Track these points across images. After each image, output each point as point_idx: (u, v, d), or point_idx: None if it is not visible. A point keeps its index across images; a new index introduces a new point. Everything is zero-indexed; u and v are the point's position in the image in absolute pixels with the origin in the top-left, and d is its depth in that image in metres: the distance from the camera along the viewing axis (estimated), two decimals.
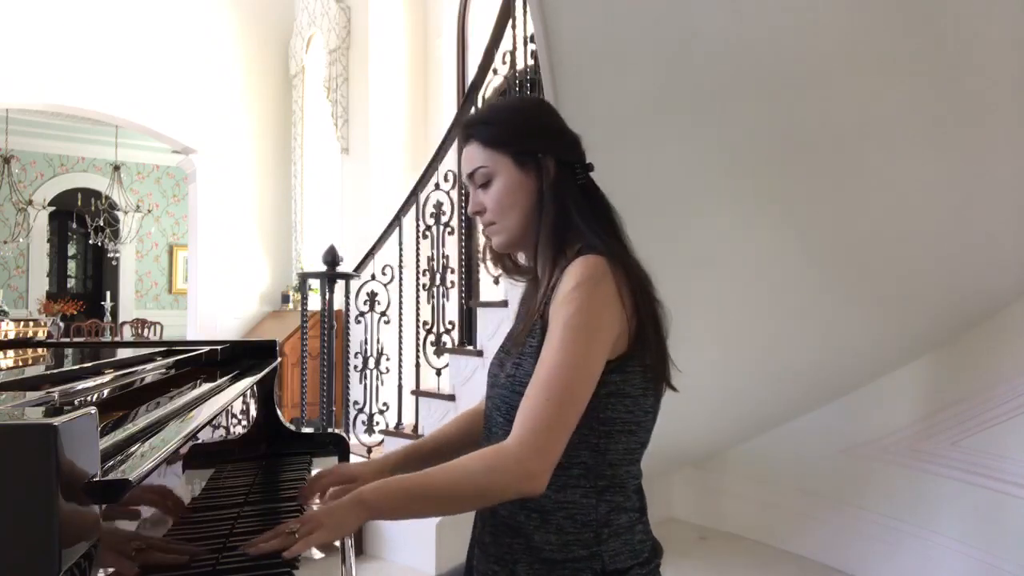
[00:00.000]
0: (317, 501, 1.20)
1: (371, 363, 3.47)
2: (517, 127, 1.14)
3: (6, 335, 6.18)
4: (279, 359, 1.72)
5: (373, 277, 3.45)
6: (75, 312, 8.94)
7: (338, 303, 3.42)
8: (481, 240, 3.43)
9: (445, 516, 1.03)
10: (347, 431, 3.40)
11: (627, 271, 1.04)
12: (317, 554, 1.07)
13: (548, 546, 1.02)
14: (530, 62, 2.64)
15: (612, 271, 1.01)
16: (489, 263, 1.24)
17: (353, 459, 1.62)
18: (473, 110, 2.99)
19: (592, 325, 0.98)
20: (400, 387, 3.31)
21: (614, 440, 1.02)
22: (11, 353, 1.63)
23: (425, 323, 3.23)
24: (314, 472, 1.45)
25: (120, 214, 9.01)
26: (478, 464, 0.96)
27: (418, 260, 3.44)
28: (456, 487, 0.96)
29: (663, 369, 1.08)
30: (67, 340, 6.36)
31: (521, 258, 1.20)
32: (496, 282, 2.94)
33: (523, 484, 0.94)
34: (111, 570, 0.67)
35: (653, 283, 1.09)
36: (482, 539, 1.11)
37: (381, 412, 3.41)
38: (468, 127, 1.16)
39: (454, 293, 3.28)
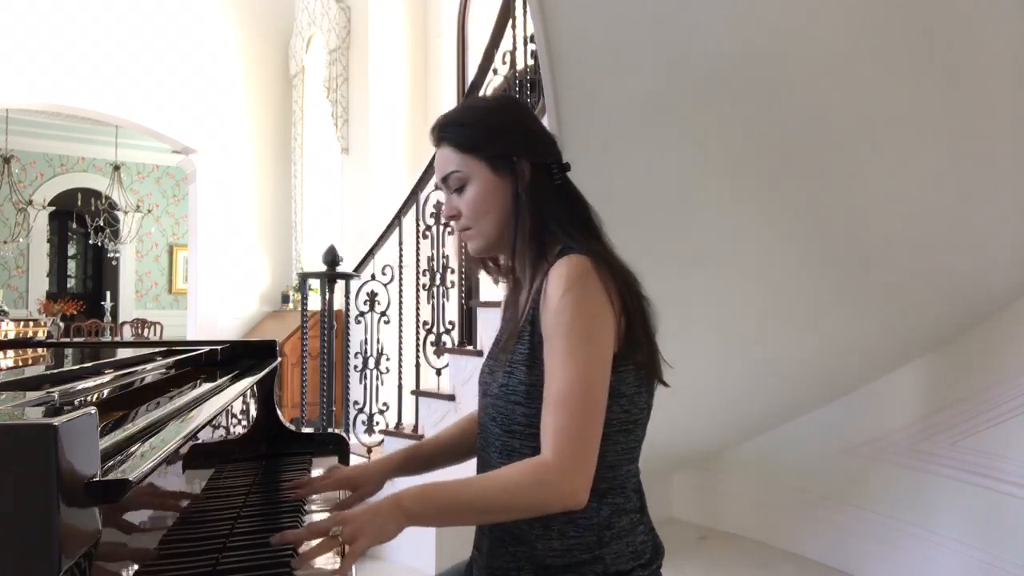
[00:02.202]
0: (315, 508, 1.20)
1: (371, 363, 3.47)
2: (491, 130, 1.11)
3: (6, 335, 6.18)
4: (279, 359, 1.72)
5: (373, 277, 3.45)
6: (75, 312, 8.93)
7: (338, 303, 3.42)
8: None
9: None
10: (347, 431, 3.40)
11: (611, 270, 1.02)
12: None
13: (551, 552, 1.01)
14: (530, 62, 2.64)
15: (596, 270, 1.00)
16: (467, 262, 1.24)
17: (353, 459, 1.62)
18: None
19: (592, 327, 0.98)
20: (400, 387, 3.31)
21: (612, 441, 1.02)
22: (11, 353, 1.63)
23: (425, 323, 3.23)
24: (314, 473, 1.45)
25: (120, 214, 9.02)
26: (523, 479, 0.95)
27: (418, 260, 3.43)
28: (501, 501, 0.95)
29: (654, 366, 1.07)
30: (67, 340, 6.36)
31: (504, 259, 1.19)
32: (496, 282, 2.94)
33: (568, 500, 0.94)
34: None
35: (638, 280, 1.08)
36: (479, 547, 1.11)
37: (381, 412, 3.42)
38: (441, 129, 1.13)
39: (454, 293, 3.28)
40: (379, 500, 0.96)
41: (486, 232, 1.10)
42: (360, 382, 3.47)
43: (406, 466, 1.23)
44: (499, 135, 1.10)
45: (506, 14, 2.74)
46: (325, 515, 1.24)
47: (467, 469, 1.13)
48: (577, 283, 0.98)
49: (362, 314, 3.43)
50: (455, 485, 0.98)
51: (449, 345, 3.20)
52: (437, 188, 1.18)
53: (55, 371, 1.11)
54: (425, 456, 1.25)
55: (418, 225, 3.32)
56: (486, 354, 1.19)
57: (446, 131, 1.12)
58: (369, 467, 1.21)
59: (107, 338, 8.56)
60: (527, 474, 0.95)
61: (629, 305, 1.02)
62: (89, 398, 0.90)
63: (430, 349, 3.23)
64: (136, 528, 0.77)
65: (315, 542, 0.92)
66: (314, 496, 1.24)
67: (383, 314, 3.42)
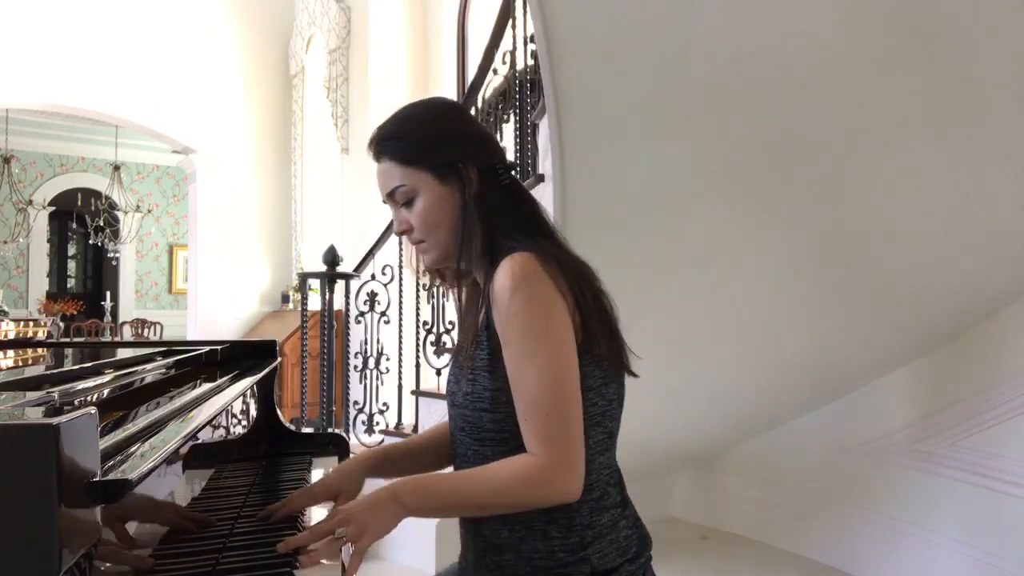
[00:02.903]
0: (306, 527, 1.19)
1: (371, 363, 3.47)
2: (432, 139, 1.07)
3: (6, 335, 6.18)
4: (279, 359, 1.72)
5: (373, 277, 3.45)
6: (75, 312, 8.94)
7: (338, 303, 3.42)
8: None
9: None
10: (347, 431, 3.40)
11: (560, 266, 1.00)
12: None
13: (536, 554, 1.01)
14: (530, 62, 2.64)
15: (544, 266, 0.98)
16: (426, 279, 1.22)
17: None
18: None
19: (547, 323, 0.96)
20: (400, 387, 3.31)
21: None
22: (11, 353, 1.63)
23: (425, 323, 3.23)
24: (313, 473, 1.45)
25: (120, 214, 9.02)
26: (516, 480, 0.96)
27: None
28: (494, 497, 0.97)
29: (618, 357, 1.06)
30: (67, 340, 6.36)
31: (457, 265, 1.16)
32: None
33: (562, 496, 0.96)
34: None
35: (594, 274, 1.07)
36: (466, 557, 1.10)
37: (381, 412, 3.42)
38: (378, 143, 1.09)
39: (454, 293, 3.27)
40: (376, 493, 0.97)
41: (441, 243, 1.08)
42: (360, 382, 3.47)
43: (380, 467, 1.21)
44: (440, 144, 1.07)
45: (506, 14, 2.74)
46: (324, 511, 1.24)
47: None
48: (524, 282, 0.96)
49: (362, 314, 3.44)
50: (451, 480, 1.00)
51: (449, 345, 3.20)
52: (384, 203, 1.14)
53: (55, 371, 1.11)
54: (398, 459, 1.23)
55: None
56: (446, 358, 1.19)
57: (384, 145, 1.08)
58: (343, 470, 1.17)
59: (107, 338, 8.56)
60: (520, 475, 0.95)
61: (581, 299, 1.00)
62: (89, 398, 0.90)
63: (430, 349, 3.22)
64: (136, 528, 0.77)
65: (320, 543, 0.93)
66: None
67: (383, 314, 3.43)
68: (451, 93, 5.68)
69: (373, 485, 1.07)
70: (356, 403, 3.43)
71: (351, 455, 1.60)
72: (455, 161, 1.06)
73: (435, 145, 1.07)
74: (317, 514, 1.23)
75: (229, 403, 1.20)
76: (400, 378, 3.31)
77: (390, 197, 1.09)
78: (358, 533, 0.92)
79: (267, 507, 1.11)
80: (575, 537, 1.01)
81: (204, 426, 1.02)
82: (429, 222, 1.07)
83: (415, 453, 1.24)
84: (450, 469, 1.13)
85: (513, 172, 1.12)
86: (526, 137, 2.72)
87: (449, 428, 1.13)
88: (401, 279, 3.37)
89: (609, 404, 1.05)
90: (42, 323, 7.85)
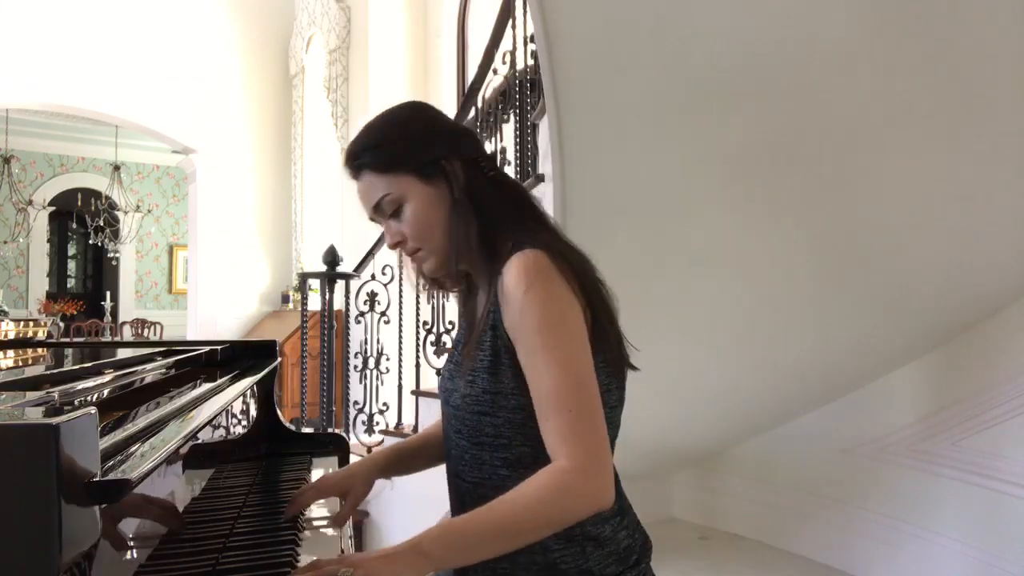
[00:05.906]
0: (315, 508, 1.19)
1: (371, 363, 3.47)
2: (407, 141, 1.03)
3: (6, 335, 6.17)
4: (279, 359, 1.72)
5: (373, 277, 3.45)
6: (75, 312, 8.94)
7: (338, 303, 3.43)
8: None
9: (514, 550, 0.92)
10: (347, 431, 3.40)
11: (567, 260, 0.96)
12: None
13: (534, 566, 0.97)
14: (530, 62, 2.64)
15: (554, 263, 0.94)
16: (423, 287, 1.14)
17: (353, 459, 1.61)
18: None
19: (564, 320, 0.93)
20: (400, 387, 3.31)
21: None
22: (11, 353, 1.63)
23: (425, 323, 3.23)
24: (313, 473, 1.45)
25: (120, 214, 9.02)
26: (546, 491, 0.87)
27: None
28: (529, 518, 0.87)
29: (621, 356, 1.02)
30: (67, 340, 6.36)
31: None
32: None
33: (595, 501, 0.89)
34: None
35: (592, 263, 1.03)
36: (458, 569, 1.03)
37: (381, 412, 3.42)
38: (355, 158, 1.04)
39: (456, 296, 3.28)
40: (396, 546, 0.86)
41: (438, 248, 1.03)
42: (360, 382, 3.47)
43: (390, 466, 1.19)
44: (417, 143, 1.03)
45: (506, 14, 2.74)
46: (325, 511, 1.24)
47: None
48: (538, 278, 0.92)
49: (362, 314, 3.44)
50: (476, 515, 0.89)
51: (449, 345, 3.20)
52: (372, 220, 1.11)
53: (55, 371, 1.11)
54: (408, 455, 1.21)
55: None
56: (446, 358, 1.12)
57: (360, 159, 1.03)
58: (354, 470, 1.16)
59: (107, 338, 8.57)
60: (548, 485, 0.87)
61: (591, 295, 0.98)
62: (89, 398, 0.90)
63: (430, 349, 3.22)
64: (136, 528, 0.77)
65: None
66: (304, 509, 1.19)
67: (383, 314, 3.43)
68: (451, 93, 5.69)
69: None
70: (356, 403, 3.43)
71: (351, 455, 1.61)
72: (436, 158, 1.01)
73: (412, 146, 1.02)
74: (317, 512, 1.24)
75: (229, 403, 1.20)
76: (400, 378, 3.31)
77: (376, 211, 1.05)
78: (360, 570, 0.81)
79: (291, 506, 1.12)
80: (576, 547, 0.97)
81: (204, 426, 1.02)
82: (422, 226, 1.02)
83: (425, 448, 1.21)
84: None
85: (496, 163, 1.08)
86: (526, 137, 2.72)
87: (443, 427, 1.09)
88: (401, 279, 3.37)
89: (612, 410, 1.01)
90: (42, 323, 7.84)
